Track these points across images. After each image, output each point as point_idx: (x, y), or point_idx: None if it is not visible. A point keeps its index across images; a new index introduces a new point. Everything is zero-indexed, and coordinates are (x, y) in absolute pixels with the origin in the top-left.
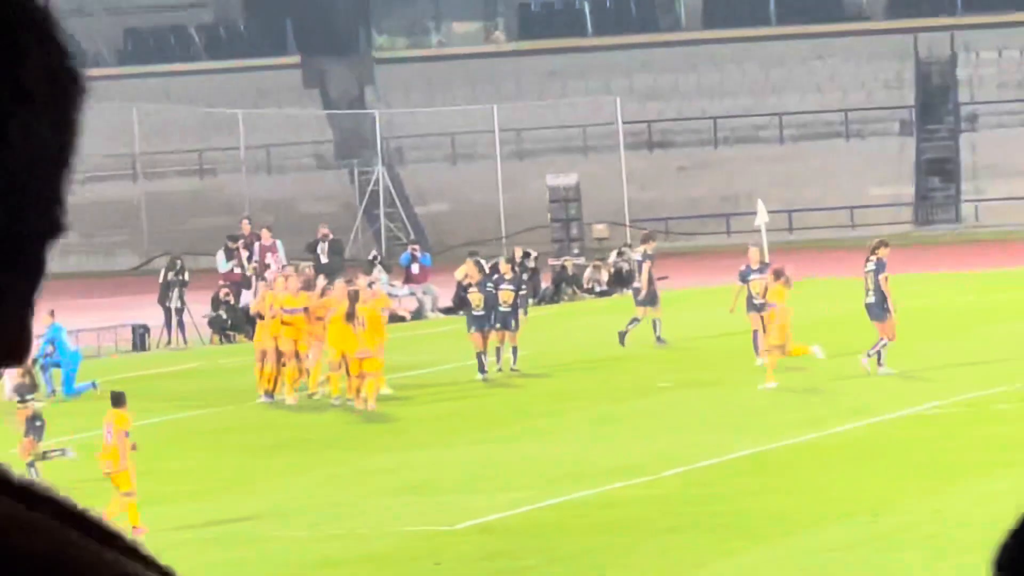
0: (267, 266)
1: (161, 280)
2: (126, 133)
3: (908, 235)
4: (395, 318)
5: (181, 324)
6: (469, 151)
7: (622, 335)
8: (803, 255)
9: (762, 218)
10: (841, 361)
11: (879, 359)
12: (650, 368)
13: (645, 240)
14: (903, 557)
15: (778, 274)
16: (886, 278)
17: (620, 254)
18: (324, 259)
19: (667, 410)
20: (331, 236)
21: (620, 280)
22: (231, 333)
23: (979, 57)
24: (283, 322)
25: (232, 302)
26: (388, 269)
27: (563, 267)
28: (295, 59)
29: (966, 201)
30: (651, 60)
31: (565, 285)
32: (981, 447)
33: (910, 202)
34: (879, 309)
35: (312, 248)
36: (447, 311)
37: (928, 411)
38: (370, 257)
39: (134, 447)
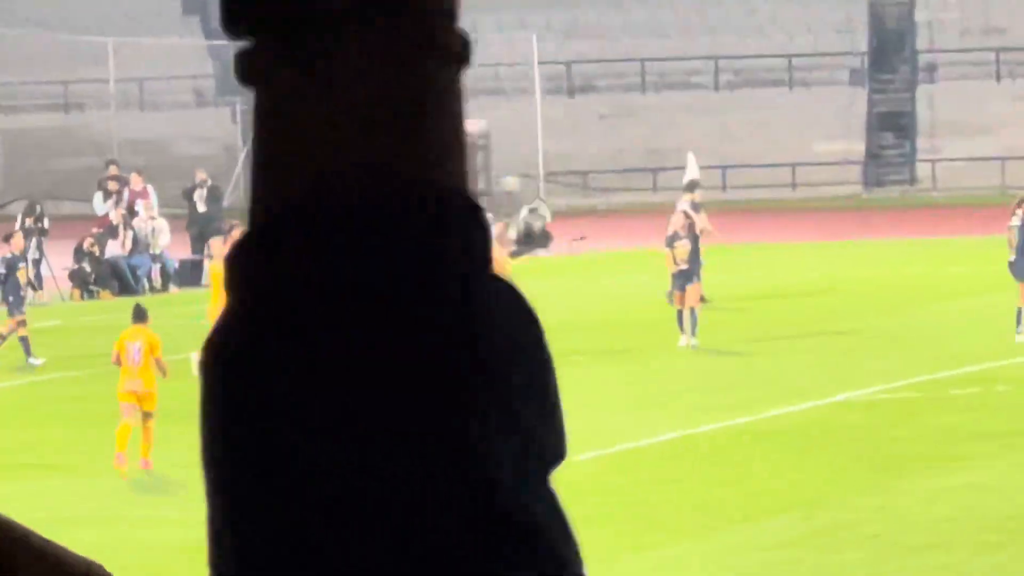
0: (135, 213)
1: (18, 227)
2: None
3: (857, 197)
4: None
5: (39, 277)
6: None
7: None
8: (738, 217)
9: (693, 173)
10: (778, 340)
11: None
12: (563, 338)
13: (690, 189)
14: (842, 558)
15: None
16: None
17: (532, 211)
18: (201, 207)
19: (580, 386)
20: (209, 182)
21: (531, 240)
22: (94, 288)
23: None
24: None
25: (97, 253)
26: None
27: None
28: None
29: (922, 161)
30: None
31: None
32: (933, 437)
33: (860, 160)
34: None
35: (188, 195)
36: None
37: (874, 396)
38: None
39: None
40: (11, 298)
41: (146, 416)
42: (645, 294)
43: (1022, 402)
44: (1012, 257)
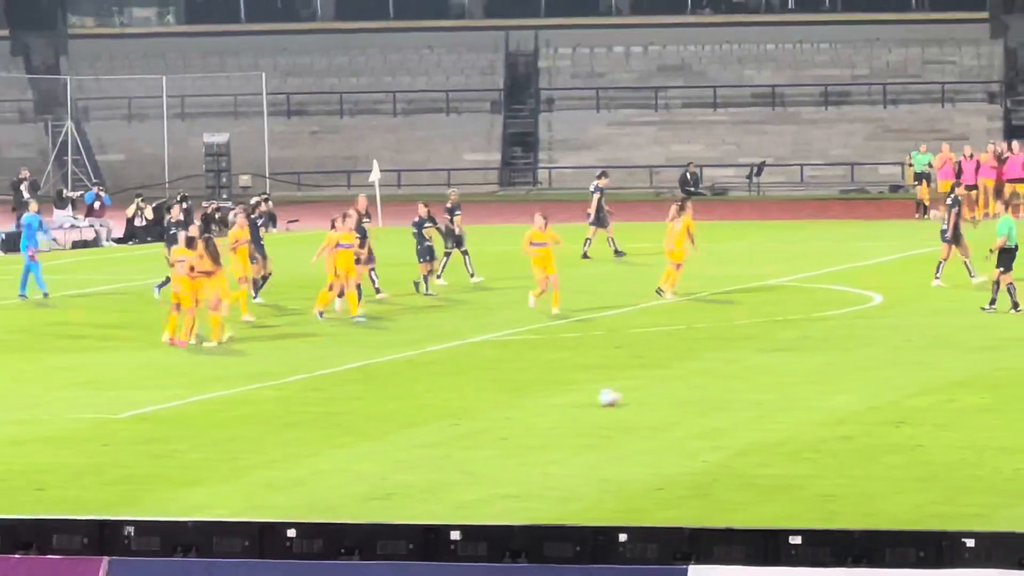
0: None
1: None
2: None
3: (494, 194)
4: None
5: None
6: (142, 112)
7: (584, 254)
8: (408, 208)
9: (376, 175)
10: (437, 299)
11: (937, 271)
12: (285, 294)
13: (599, 176)
14: (481, 454)
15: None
16: (958, 212)
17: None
18: (25, 195)
19: (282, 330)
20: (30, 176)
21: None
22: None
23: (557, 52)
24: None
25: None
26: (75, 206)
27: (215, 209)
28: (4, 32)
29: (542, 168)
30: (292, 44)
31: (213, 224)
32: (545, 368)
33: (497, 167)
34: (951, 236)
35: (15, 186)
36: (119, 241)
37: (504, 337)
38: (69, 196)
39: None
40: None
41: (184, 310)
42: None
43: (610, 344)
44: (943, 227)
